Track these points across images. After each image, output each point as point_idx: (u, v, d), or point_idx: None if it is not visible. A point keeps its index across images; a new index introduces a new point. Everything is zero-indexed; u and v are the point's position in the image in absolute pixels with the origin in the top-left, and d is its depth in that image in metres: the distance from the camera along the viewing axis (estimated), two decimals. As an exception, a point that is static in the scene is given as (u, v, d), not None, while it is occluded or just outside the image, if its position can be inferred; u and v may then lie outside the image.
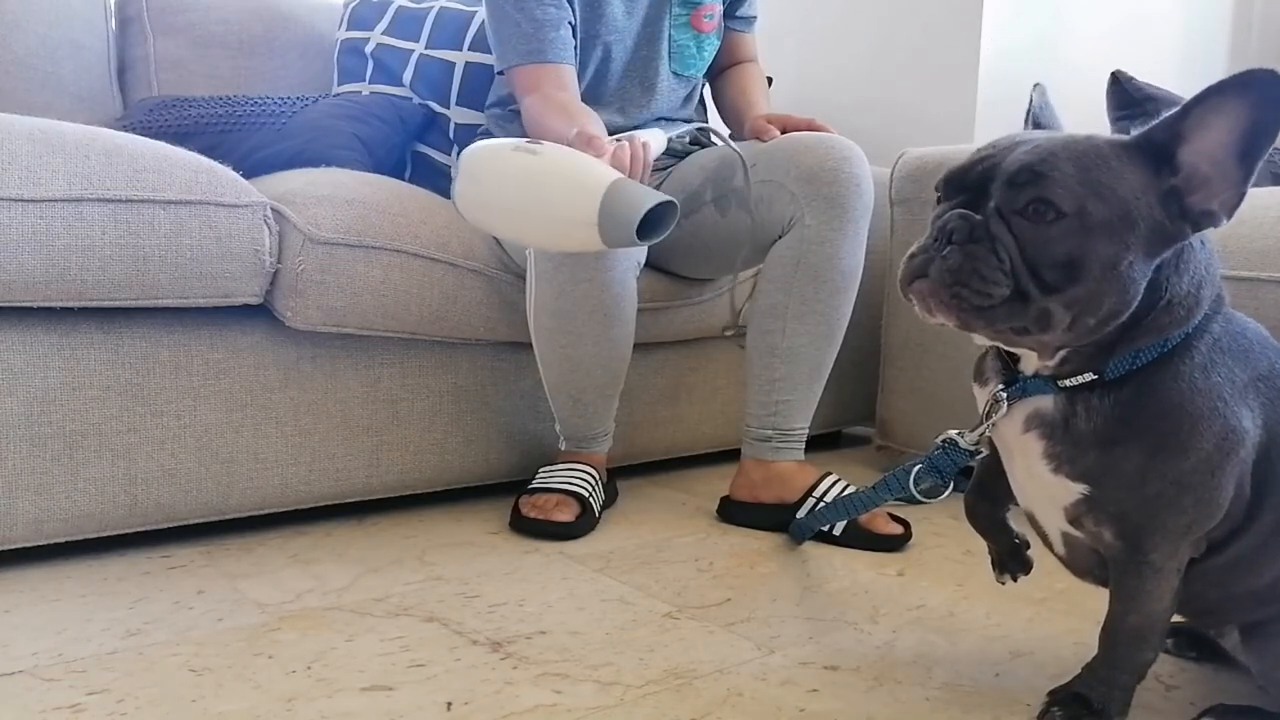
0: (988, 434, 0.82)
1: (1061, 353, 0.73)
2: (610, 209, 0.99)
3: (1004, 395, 0.78)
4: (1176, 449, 0.70)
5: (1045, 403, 0.76)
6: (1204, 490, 0.71)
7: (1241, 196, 0.66)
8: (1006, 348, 0.76)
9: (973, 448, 0.89)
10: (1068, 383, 0.74)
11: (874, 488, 1.07)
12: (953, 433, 0.92)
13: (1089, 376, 0.73)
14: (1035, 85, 0.82)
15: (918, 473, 0.99)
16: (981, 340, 0.74)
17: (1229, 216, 0.67)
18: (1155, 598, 0.76)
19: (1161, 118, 0.67)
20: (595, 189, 1.00)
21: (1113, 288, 0.67)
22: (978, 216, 0.68)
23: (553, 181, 1.03)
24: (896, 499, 1.05)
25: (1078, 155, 0.67)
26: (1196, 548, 0.76)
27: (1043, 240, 0.66)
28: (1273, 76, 0.61)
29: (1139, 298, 0.69)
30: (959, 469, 0.94)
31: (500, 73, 1.42)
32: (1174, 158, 0.67)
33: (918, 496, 1.00)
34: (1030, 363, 0.76)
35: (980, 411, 0.83)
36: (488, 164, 1.09)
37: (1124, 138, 0.69)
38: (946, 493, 0.99)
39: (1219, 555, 0.77)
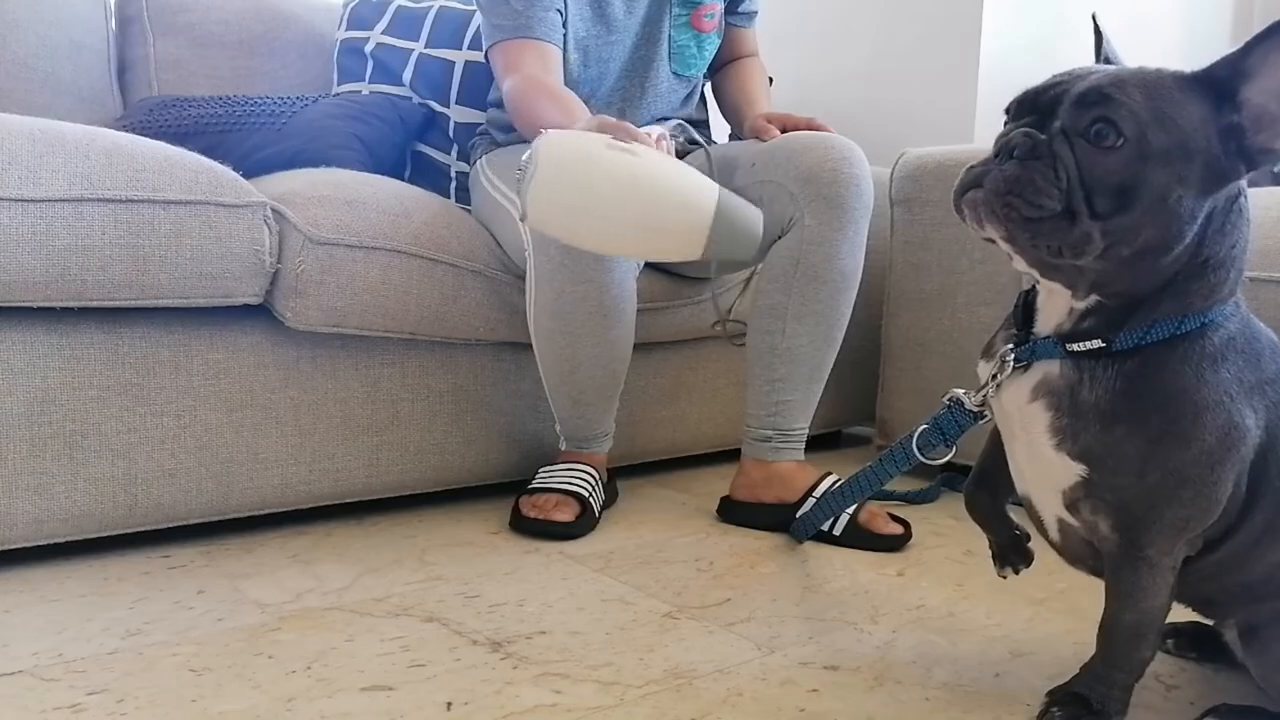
0: (991, 398, 0.82)
1: (1091, 299, 0.73)
2: (726, 223, 0.94)
3: (1011, 354, 0.78)
4: (1179, 438, 0.70)
5: (1053, 371, 0.76)
6: (1203, 484, 0.71)
7: None
8: (1041, 277, 0.75)
9: (977, 409, 0.89)
10: (1076, 347, 0.74)
11: (879, 461, 1.06)
12: (959, 391, 0.92)
13: (1097, 344, 0.73)
14: (1094, 14, 0.82)
15: (922, 434, 0.98)
16: (1021, 267, 0.74)
17: None
18: (1151, 594, 0.76)
19: (1224, 55, 0.68)
20: (707, 199, 0.95)
21: (1157, 220, 0.68)
22: (1041, 135, 0.69)
23: (661, 186, 0.95)
24: (901, 471, 1.04)
25: (1145, 83, 0.68)
26: (1193, 545, 0.76)
27: (1100, 163, 0.67)
28: None
29: (1183, 240, 0.69)
30: (962, 432, 0.94)
31: (486, 57, 1.41)
32: (1236, 95, 0.68)
33: (921, 458, 0.99)
34: (1048, 323, 0.77)
35: (981, 384, 0.83)
36: (583, 161, 0.96)
37: (1188, 71, 0.69)
38: (949, 456, 0.98)
39: (1212, 553, 0.77)
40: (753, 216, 0.96)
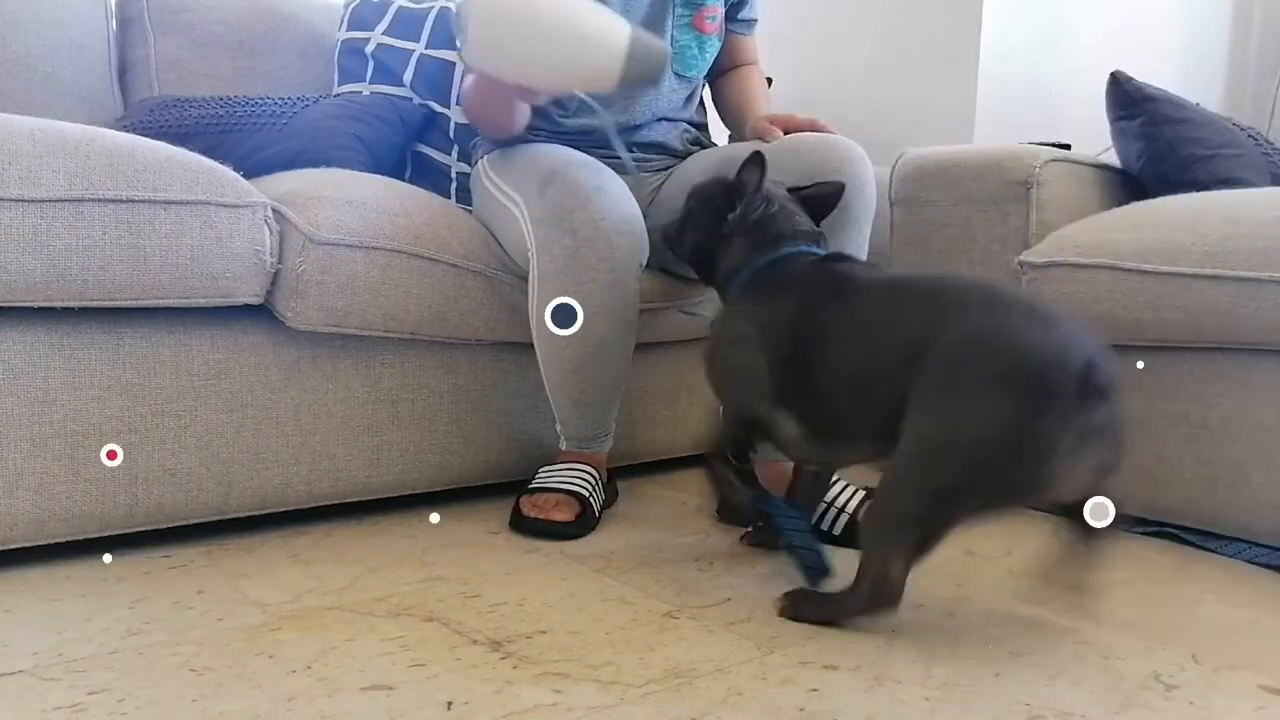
0: None
1: None
2: (639, 49, 1.14)
3: None
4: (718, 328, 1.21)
5: None
6: (724, 357, 1.16)
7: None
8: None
9: None
10: None
11: None
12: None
13: None
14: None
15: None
16: None
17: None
18: (717, 345, 1.18)
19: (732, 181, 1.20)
20: (620, 29, 1.14)
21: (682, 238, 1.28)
22: None
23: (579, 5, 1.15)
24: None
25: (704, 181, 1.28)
26: (763, 392, 1.10)
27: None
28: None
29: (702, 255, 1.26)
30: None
31: None
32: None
33: None
34: None
35: None
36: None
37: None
38: None
39: (807, 399, 1.07)
40: (659, 45, 1.18)
